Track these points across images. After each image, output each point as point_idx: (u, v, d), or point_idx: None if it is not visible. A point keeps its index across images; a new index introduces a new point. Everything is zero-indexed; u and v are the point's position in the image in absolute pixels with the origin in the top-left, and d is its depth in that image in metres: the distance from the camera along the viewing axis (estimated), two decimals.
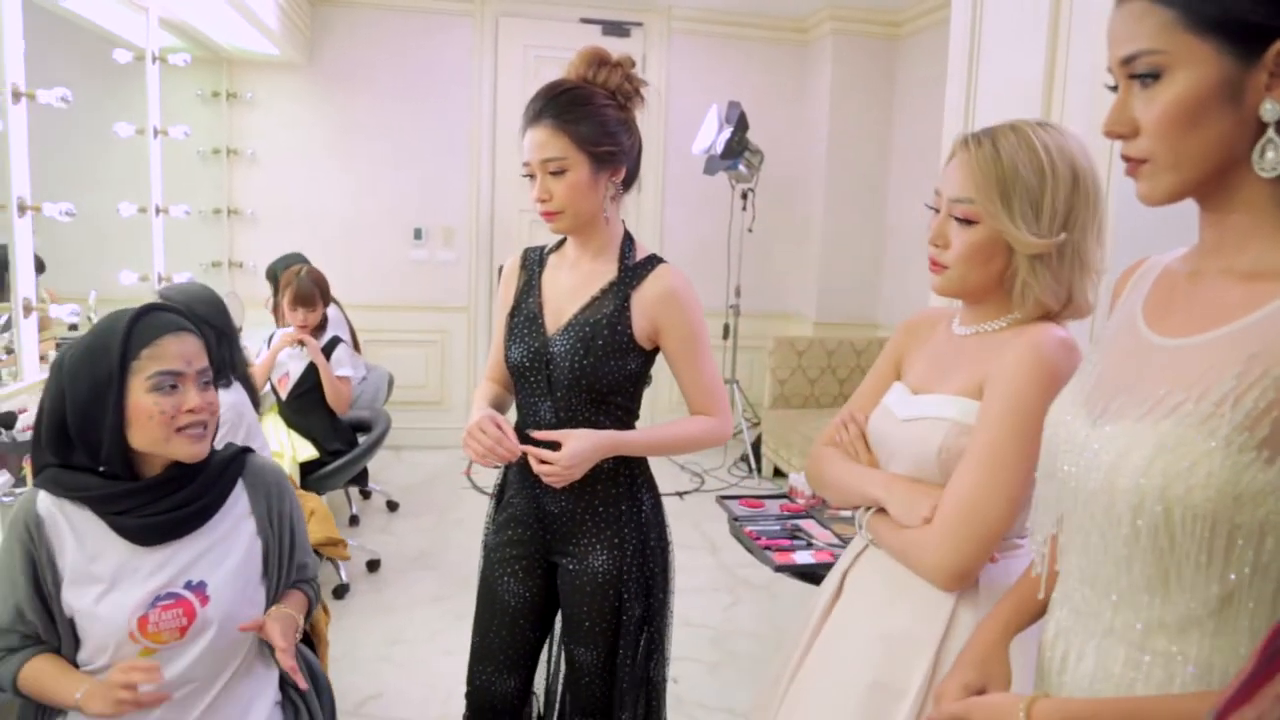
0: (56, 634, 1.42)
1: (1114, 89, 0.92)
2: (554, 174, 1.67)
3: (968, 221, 1.27)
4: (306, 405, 3.75)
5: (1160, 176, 0.90)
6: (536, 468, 1.65)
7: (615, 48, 1.76)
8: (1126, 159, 0.92)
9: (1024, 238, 1.23)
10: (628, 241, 1.79)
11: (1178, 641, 0.89)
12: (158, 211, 4.08)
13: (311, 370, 3.74)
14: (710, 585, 3.84)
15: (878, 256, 5.80)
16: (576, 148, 1.67)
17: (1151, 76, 0.87)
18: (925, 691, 1.24)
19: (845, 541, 2.44)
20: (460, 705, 1.92)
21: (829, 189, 5.66)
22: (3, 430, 2.39)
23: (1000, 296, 1.32)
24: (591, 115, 1.68)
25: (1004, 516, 1.21)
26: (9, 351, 2.85)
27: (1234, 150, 0.86)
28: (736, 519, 2.75)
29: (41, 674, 1.40)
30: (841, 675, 1.33)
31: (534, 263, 1.85)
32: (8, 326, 2.85)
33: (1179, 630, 0.88)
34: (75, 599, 1.42)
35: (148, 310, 1.46)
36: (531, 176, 1.71)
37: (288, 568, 1.62)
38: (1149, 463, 0.86)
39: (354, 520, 4.40)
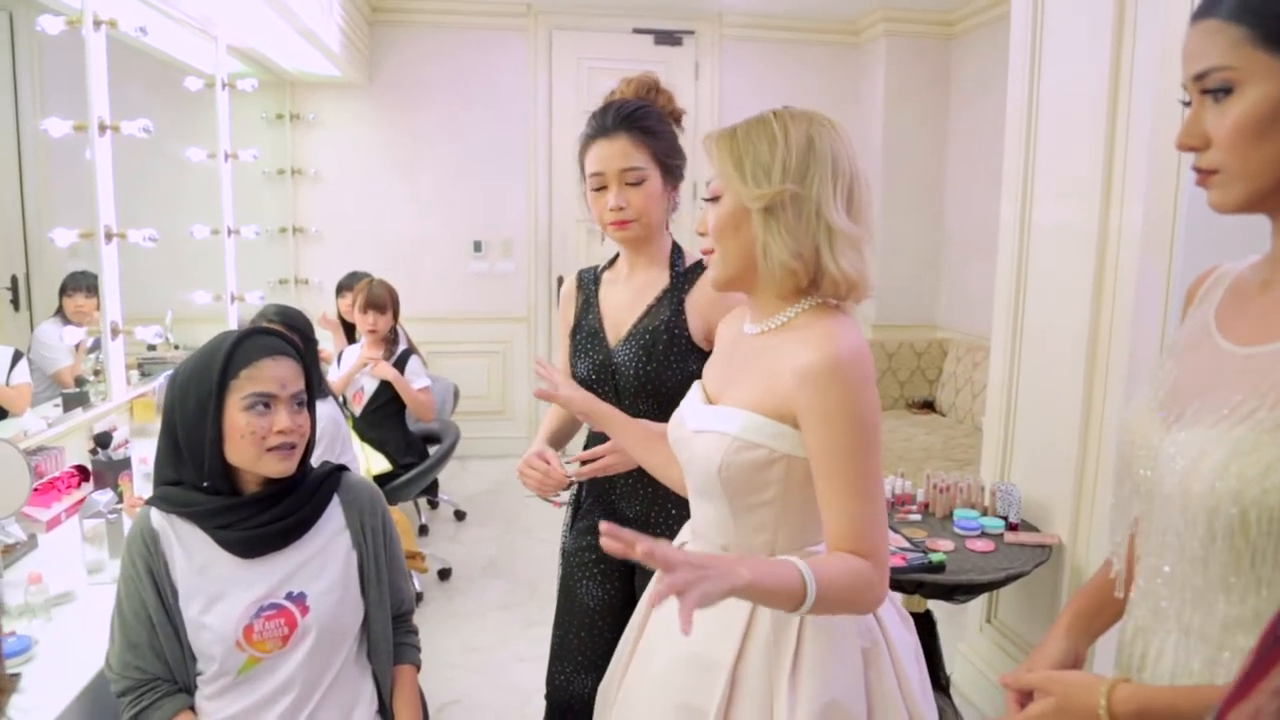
0: (180, 646, 1.49)
1: (1187, 104, 0.96)
2: (632, 184, 1.75)
3: (715, 199, 1.30)
4: (380, 419, 3.86)
5: (1231, 186, 0.93)
6: (591, 470, 1.71)
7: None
8: (1197, 170, 0.96)
9: (749, 190, 1.23)
10: (676, 250, 1.87)
11: (1256, 638, 0.90)
12: (229, 233, 4.20)
13: (385, 386, 3.84)
14: None
15: (936, 257, 5.75)
16: (654, 160, 1.76)
17: (1223, 91, 0.91)
18: (723, 712, 1.25)
19: (915, 545, 2.44)
20: (535, 711, 1.97)
21: (885, 190, 5.62)
22: (99, 449, 2.49)
23: (769, 287, 1.29)
24: (664, 131, 1.80)
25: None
26: (96, 373, 2.96)
27: None
28: None
29: None
30: (655, 695, 1.36)
31: (589, 282, 1.94)
32: (96, 348, 2.96)
33: (1257, 627, 0.91)
34: (186, 610, 1.49)
35: (251, 333, 1.54)
36: (602, 188, 1.77)
37: (383, 584, 1.67)
38: (1224, 467, 0.90)
39: (423, 530, 4.49)
